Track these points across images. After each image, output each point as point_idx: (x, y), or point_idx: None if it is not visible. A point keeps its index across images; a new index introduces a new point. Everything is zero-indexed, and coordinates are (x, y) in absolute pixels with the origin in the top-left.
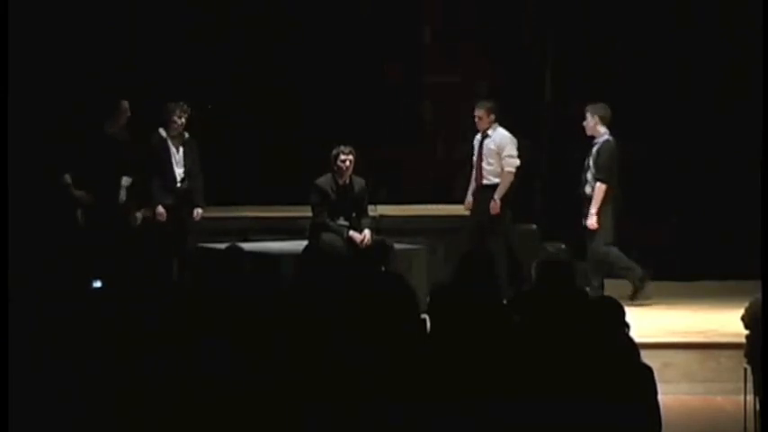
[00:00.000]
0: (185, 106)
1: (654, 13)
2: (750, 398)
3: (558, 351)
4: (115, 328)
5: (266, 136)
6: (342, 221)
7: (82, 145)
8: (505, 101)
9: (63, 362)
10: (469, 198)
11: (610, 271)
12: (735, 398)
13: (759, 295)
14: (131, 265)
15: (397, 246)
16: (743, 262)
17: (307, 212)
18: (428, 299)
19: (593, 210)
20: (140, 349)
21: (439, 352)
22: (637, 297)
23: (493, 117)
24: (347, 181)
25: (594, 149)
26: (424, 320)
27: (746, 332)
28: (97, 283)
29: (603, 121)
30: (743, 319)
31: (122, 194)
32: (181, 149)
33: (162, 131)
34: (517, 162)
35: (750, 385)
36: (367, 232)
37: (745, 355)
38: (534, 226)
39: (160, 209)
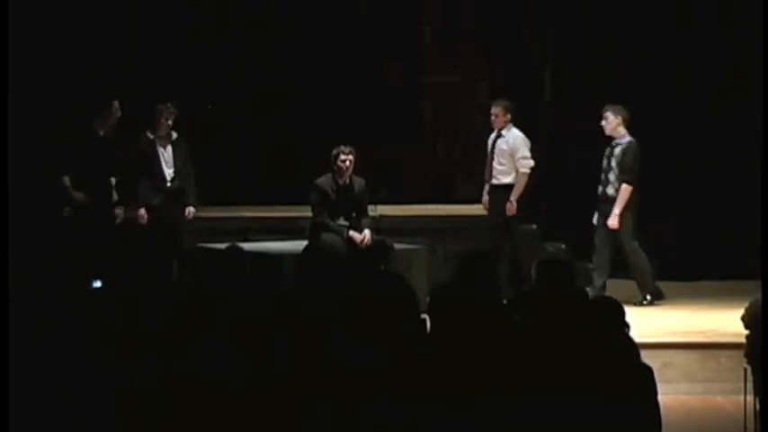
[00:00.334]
0: (172, 107)
1: (654, 13)
2: (750, 398)
3: (558, 351)
4: (115, 328)
5: (266, 136)
6: (342, 221)
7: (80, 146)
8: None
9: (63, 362)
10: (485, 197)
11: (613, 272)
12: (735, 398)
13: (759, 295)
14: (129, 265)
15: (397, 246)
16: (743, 262)
17: (307, 212)
18: (428, 299)
19: (617, 211)
20: (140, 349)
21: (439, 352)
22: (642, 303)
23: (509, 116)
24: (347, 181)
25: (618, 150)
26: (424, 320)
27: (746, 332)
28: (97, 283)
29: (625, 123)
30: (743, 319)
31: (114, 195)
32: (169, 149)
33: (149, 133)
34: (531, 163)
35: (750, 385)
36: (367, 232)
37: (745, 355)
38: (534, 226)
39: (142, 211)
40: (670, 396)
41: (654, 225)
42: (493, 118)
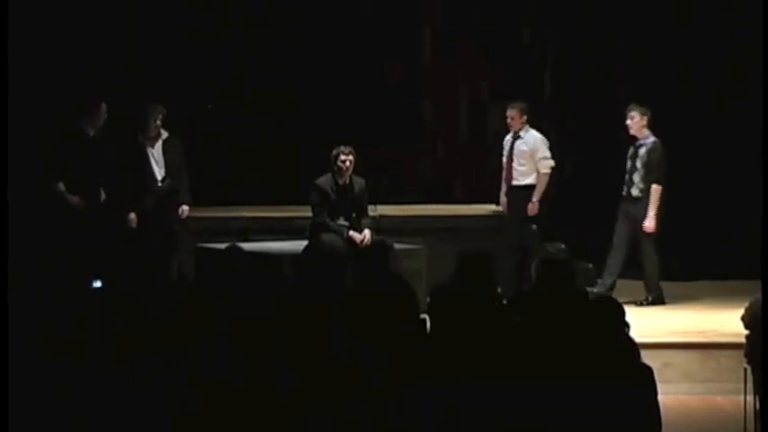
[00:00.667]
0: (162, 108)
1: (654, 13)
2: (750, 398)
3: (559, 351)
4: (115, 328)
5: (266, 136)
6: (342, 221)
7: (73, 148)
8: (505, 101)
9: (63, 362)
10: (503, 198)
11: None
12: (735, 398)
13: (759, 295)
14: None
15: (397, 246)
16: (743, 262)
17: (307, 212)
18: (428, 299)
19: (652, 213)
20: (140, 349)
21: (439, 352)
22: (642, 304)
23: (525, 118)
24: (347, 181)
25: (642, 150)
26: (424, 320)
27: (746, 332)
28: (97, 283)
29: (649, 123)
30: (743, 319)
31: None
32: (159, 149)
33: (141, 135)
34: (552, 163)
35: (750, 385)
36: (367, 232)
37: (745, 355)
38: (534, 226)
39: (132, 215)
40: (670, 396)
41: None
42: (509, 120)
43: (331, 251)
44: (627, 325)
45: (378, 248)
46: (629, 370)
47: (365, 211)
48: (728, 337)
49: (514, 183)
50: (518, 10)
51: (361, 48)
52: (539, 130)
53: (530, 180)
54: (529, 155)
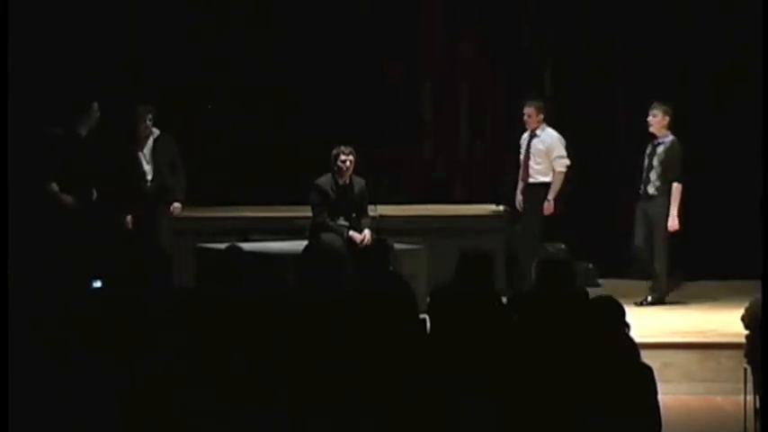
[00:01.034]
0: (151, 107)
1: (654, 13)
2: (750, 398)
3: (558, 351)
4: (115, 328)
5: (266, 136)
6: (342, 221)
7: (66, 148)
8: (505, 101)
9: (63, 362)
10: (519, 197)
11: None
12: (735, 398)
13: (759, 295)
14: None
15: (397, 246)
16: (743, 262)
17: (307, 212)
18: (428, 299)
19: (674, 211)
20: (140, 349)
21: (439, 352)
22: (642, 304)
23: (542, 116)
24: (347, 181)
25: (661, 149)
26: (424, 320)
27: (746, 332)
28: (97, 284)
29: (670, 123)
30: (743, 319)
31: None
32: (149, 148)
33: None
34: (567, 162)
35: (750, 385)
36: (367, 232)
37: (745, 355)
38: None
39: (128, 217)
40: (670, 396)
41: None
42: (526, 118)
43: (331, 251)
44: (627, 325)
45: (378, 248)
46: (629, 370)
47: (365, 211)
48: (728, 337)
49: (531, 180)
50: (518, 10)
51: (361, 48)
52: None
53: (546, 178)
54: (545, 153)
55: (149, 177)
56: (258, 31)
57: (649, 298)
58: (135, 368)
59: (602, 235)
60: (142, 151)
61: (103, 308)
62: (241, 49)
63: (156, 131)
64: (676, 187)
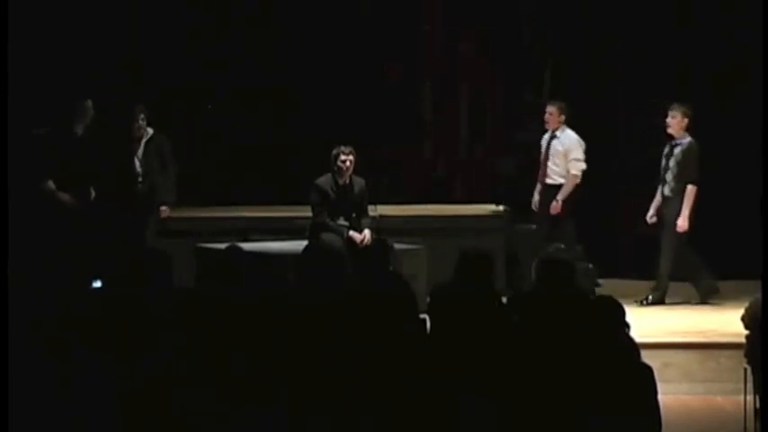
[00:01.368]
0: (143, 107)
1: (654, 13)
2: (750, 398)
3: (558, 351)
4: (115, 328)
5: (266, 136)
6: (342, 221)
7: (63, 147)
8: (505, 101)
9: (63, 362)
10: (536, 197)
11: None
12: (735, 398)
13: (759, 295)
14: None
15: (397, 246)
16: (743, 262)
17: (307, 212)
18: (428, 299)
19: (686, 212)
20: (140, 349)
21: (439, 352)
22: (643, 303)
23: (563, 117)
24: (347, 181)
25: (678, 150)
26: (424, 320)
27: (746, 332)
28: (97, 284)
29: (689, 124)
30: (743, 319)
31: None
32: (141, 149)
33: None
34: (583, 166)
35: (750, 385)
36: (367, 232)
37: (745, 355)
38: (534, 226)
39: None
40: (670, 396)
41: (654, 225)
42: (547, 117)
43: (331, 251)
44: (627, 325)
45: (378, 248)
46: (629, 370)
47: (365, 211)
48: (728, 337)
49: (548, 181)
50: (518, 10)
51: (361, 48)
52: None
53: (563, 180)
54: (563, 155)
55: (140, 179)
56: (258, 31)
57: (650, 297)
58: (135, 368)
59: (602, 235)
60: (138, 152)
61: (103, 308)
62: (241, 49)
63: (150, 131)
64: (691, 189)
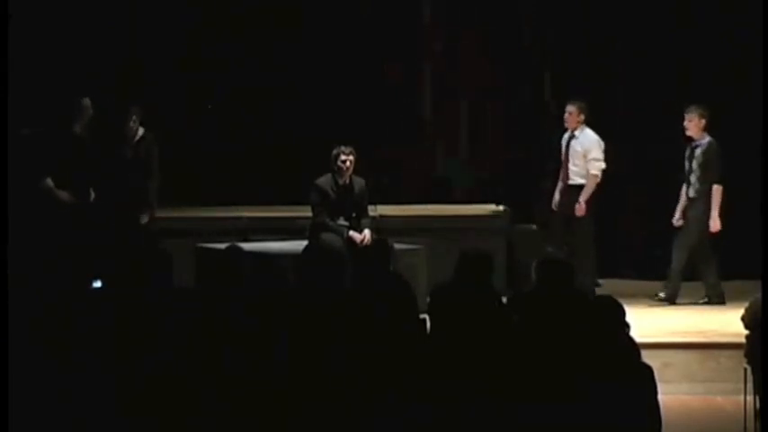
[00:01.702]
0: (136, 108)
1: (654, 13)
2: (750, 398)
3: (558, 351)
4: (115, 328)
5: (266, 136)
6: (342, 221)
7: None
8: (505, 101)
9: (63, 362)
10: (556, 196)
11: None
12: (735, 398)
13: (759, 295)
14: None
15: (397, 246)
16: (743, 262)
17: (307, 212)
18: (428, 299)
19: (715, 213)
20: (140, 349)
21: (439, 352)
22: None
23: (582, 117)
24: (347, 181)
25: (698, 151)
26: (424, 320)
27: (746, 332)
28: (97, 284)
29: (706, 125)
30: (743, 319)
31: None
32: (131, 149)
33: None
34: (603, 165)
35: (750, 385)
36: (367, 232)
37: (745, 355)
38: (534, 226)
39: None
40: (670, 396)
41: (654, 225)
42: (566, 116)
43: (331, 251)
44: (627, 325)
45: (378, 248)
46: (629, 370)
47: (365, 211)
48: (728, 337)
49: (570, 182)
50: (518, 10)
51: (361, 48)
52: (539, 130)
53: (583, 180)
54: (582, 155)
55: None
56: (258, 31)
57: (662, 294)
58: (135, 368)
59: (602, 235)
60: (126, 152)
61: (103, 308)
62: (241, 49)
63: (141, 131)
64: (716, 189)
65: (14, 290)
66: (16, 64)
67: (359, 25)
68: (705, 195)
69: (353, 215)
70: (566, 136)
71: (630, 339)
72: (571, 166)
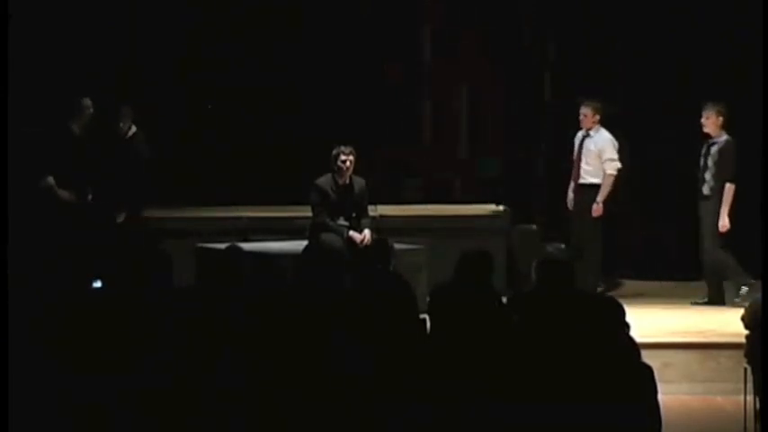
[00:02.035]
0: (128, 107)
1: (654, 13)
2: (750, 398)
3: (558, 351)
4: (115, 328)
5: (266, 136)
6: (342, 221)
7: (60, 145)
8: (505, 101)
9: (63, 362)
10: (570, 196)
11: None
12: (735, 398)
13: (759, 295)
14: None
15: (397, 246)
16: (742, 262)
17: (307, 212)
18: (428, 299)
19: (724, 211)
20: (140, 350)
21: (439, 352)
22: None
23: (597, 117)
24: (347, 181)
25: (714, 149)
26: (424, 320)
27: (746, 332)
28: (97, 283)
29: (724, 123)
30: (743, 319)
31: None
32: (121, 147)
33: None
34: (618, 165)
35: (750, 385)
36: (367, 232)
37: (745, 355)
38: (534, 226)
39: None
40: (670, 396)
41: (654, 225)
42: (582, 117)
43: (331, 251)
44: (627, 325)
45: (378, 248)
46: (629, 370)
47: (365, 211)
48: (728, 337)
49: (581, 181)
50: (518, 10)
51: (361, 48)
52: (540, 130)
53: (595, 179)
54: (596, 155)
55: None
56: (258, 31)
57: (705, 299)
58: (135, 368)
59: (601, 235)
60: (117, 151)
61: (103, 308)
62: (241, 49)
63: (133, 129)
64: (729, 187)
65: (14, 290)
66: (16, 64)
67: (359, 25)
68: (718, 193)
69: (353, 215)
70: (579, 135)
71: (630, 339)
72: (584, 165)
